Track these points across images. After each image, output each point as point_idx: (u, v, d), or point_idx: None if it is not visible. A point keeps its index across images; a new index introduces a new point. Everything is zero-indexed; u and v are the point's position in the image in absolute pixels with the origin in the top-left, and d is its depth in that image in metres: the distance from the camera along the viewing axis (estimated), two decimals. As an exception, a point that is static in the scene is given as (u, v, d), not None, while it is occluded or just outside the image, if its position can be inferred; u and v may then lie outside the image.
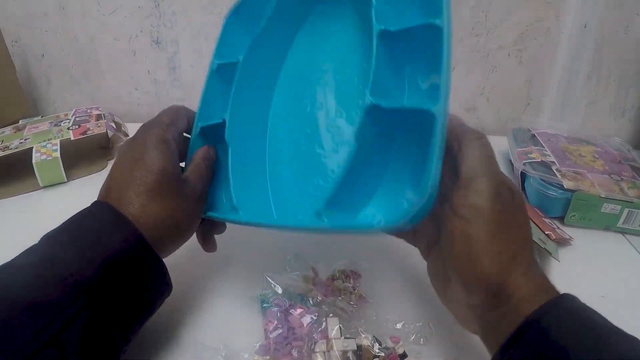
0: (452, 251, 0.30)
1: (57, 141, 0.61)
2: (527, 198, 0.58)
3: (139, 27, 0.75)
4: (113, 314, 0.30)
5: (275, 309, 0.39)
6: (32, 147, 0.59)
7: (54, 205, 0.56)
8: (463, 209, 0.29)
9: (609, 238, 0.53)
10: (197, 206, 0.37)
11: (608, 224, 0.54)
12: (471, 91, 0.78)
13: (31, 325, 0.26)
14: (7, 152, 0.59)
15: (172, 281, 0.36)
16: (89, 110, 0.70)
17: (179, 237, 0.36)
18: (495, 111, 0.80)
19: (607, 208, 0.52)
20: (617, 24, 0.70)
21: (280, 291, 0.41)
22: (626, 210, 0.52)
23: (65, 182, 0.61)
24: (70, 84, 0.80)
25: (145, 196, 0.33)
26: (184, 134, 0.40)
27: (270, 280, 0.42)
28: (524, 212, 0.31)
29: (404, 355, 0.36)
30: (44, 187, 0.60)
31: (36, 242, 0.32)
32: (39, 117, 0.70)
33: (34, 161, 0.58)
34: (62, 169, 0.60)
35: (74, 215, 0.32)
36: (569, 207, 0.53)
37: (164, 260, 0.34)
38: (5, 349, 0.25)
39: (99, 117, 0.68)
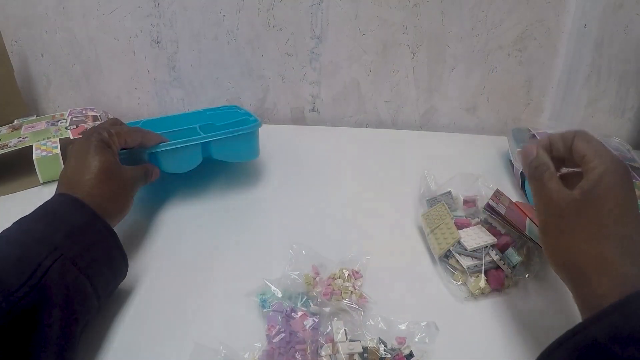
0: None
1: (57, 139, 0.62)
2: (527, 198, 0.58)
3: (138, 27, 0.75)
4: (81, 265, 0.37)
5: (276, 313, 0.39)
6: (32, 145, 0.60)
7: None
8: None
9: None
10: (130, 186, 0.48)
11: (608, 224, 0.54)
12: (471, 91, 0.78)
13: (18, 277, 0.33)
14: (7, 149, 0.59)
15: (172, 281, 0.39)
16: (84, 111, 0.71)
17: (119, 210, 0.47)
18: (495, 111, 0.80)
19: (607, 208, 0.52)
20: (617, 24, 0.70)
21: (280, 295, 0.41)
22: (626, 210, 0.52)
23: None
24: (70, 84, 0.80)
25: (92, 183, 0.43)
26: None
27: (269, 284, 0.42)
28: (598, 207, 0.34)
29: (410, 355, 0.36)
30: (44, 183, 0.61)
31: None
32: (34, 117, 0.70)
33: (34, 157, 0.59)
34: (62, 164, 0.60)
35: (39, 206, 0.41)
36: (569, 207, 0.53)
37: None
38: None
39: (95, 118, 0.69)
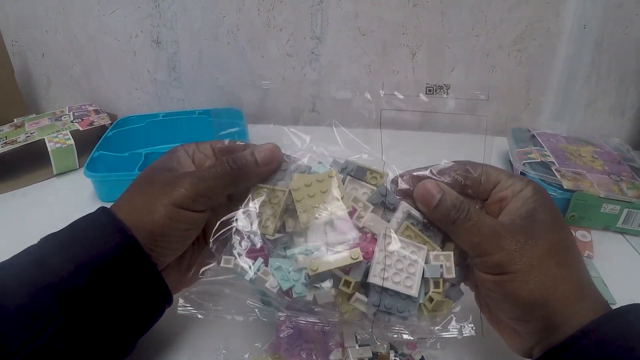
0: (490, 299, 0.31)
1: (68, 131, 0.64)
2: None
3: (139, 27, 0.75)
4: (103, 325, 0.29)
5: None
6: (44, 138, 0.62)
7: (69, 190, 0.61)
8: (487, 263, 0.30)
9: (609, 238, 0.53)
10: (177, 195, 0.31)
11: (607, 224, 0.54)
12: (471, 91, 0.78)
13: (19, 335, 0.26)
14: (17, 145, 0.61)
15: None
16: (83, 107, 0.73)
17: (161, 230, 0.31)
18: (495, 111, 0.80)
19: (607, 208, 0.52)
20: (617, 24, 0.70)
21: None
22: (625, 211, 0.52)
23: (76, 169, 0.64)
24: (70, 84, 0.80)
25: (131, 189, 0.33)
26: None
27: None
28: (554, 239, 0.30)
29: None
30: (57, 174, 0.63)
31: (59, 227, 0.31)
32: (33, 115, 0.71)
33: (49, 149, 0.60)
34: (76, 155, 0.63)
35: (76, 220, 0.32)
36: (569, 208, 0.53)
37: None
38: None
39: (97, 112, 0.71)
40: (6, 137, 0.63)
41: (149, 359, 0.38)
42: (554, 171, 0.56)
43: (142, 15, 0.74)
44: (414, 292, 0.30)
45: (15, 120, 0.69)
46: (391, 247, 0.31)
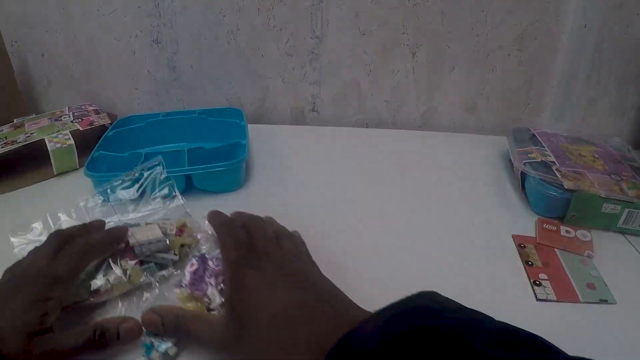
0: None
1: (68, 131, 0.64)
2: (527, 198, 0.58)
3: (139, 27, 0.75)
4: None
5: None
6: (44, 139, 0.61)
7: (69, 190, 0.61)
8: None
9: (609, 238, 0.53)
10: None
11: (608, 224, 0.54)
12: (471, 91, 0.78)
13: None
14: (17, 145, 0.60)
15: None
16: (83, 107, 0.72)
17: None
18: (495, 111, 0.80)
19: (607, 208, 0.52)
20: (617, 24, 0.70)
21: None
22: (626, 211, 0.52)
23: (76, 169, 0.64)
24: (70, 84, 0.80)
25: None
26: None
27: None
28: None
29: None
30: (58, 175, 0.62)
31: None
32: (33, 116, 0.71)
33: (50, 149, 0.60)
34: (77, 155, 0.63)
35: None
36: (569, 207, 0.53)
37: None
38: None
39: (97, 112, 0.71)
40: (6, 137, 0.63)
41: None
42: (555, 171, 0.56)
43: (142, 15, 0.74)
44: (162, 236, 0.45)
45: (15, 120, 0.69)
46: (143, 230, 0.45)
